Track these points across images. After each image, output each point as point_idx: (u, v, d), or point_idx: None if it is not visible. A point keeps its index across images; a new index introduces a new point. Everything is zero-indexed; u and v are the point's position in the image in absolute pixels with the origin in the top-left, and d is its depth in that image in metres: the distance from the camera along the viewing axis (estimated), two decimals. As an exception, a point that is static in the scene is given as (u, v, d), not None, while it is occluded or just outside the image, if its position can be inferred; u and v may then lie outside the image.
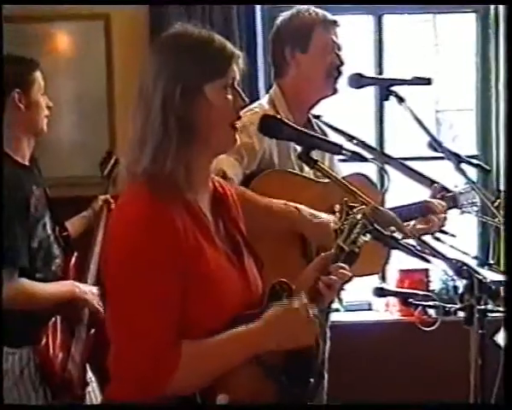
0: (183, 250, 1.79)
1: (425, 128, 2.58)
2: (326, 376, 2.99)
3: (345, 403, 3.18)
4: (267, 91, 3.15)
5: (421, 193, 3.08)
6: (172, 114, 1.80)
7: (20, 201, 2.87)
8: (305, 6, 2.92)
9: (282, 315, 1.83)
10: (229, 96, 1.87)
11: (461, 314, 2.19)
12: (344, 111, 3.23)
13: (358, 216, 1.95)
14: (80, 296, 3.02)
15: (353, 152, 2.18)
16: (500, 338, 2.31)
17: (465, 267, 2.09)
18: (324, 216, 2.63)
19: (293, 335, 1.83)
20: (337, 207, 1.98)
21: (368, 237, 1.96)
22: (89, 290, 3.07)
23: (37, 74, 3.02)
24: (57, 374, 2.93)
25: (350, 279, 2.09)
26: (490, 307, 2.22)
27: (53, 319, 2.96)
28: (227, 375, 1.80)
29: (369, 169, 2.87)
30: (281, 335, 1.83)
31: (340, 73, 2.86)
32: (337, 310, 4.01)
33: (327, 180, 2.26)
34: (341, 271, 1.93)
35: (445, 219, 3.05)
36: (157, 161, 1.80)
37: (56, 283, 2.99)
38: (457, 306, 2.28)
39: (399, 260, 3.63)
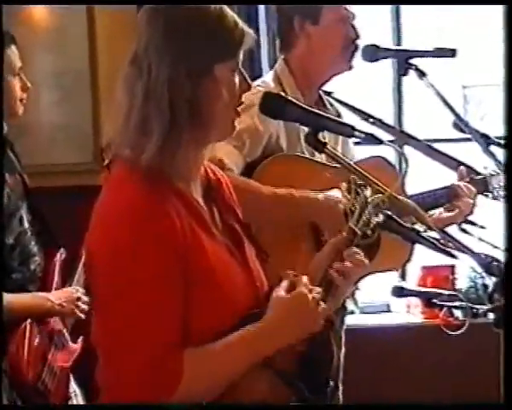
0: (181, 245, 1.79)
1: (449, 106, 2.59)
2: (341, 386, 3.00)
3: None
4: (271, 67, 3.16)
5: (447, 177, 3.09)
6: (180, 96, 1.79)
7: None
8: None
9: (286, 303, 1.84)
10: (236, 79, 1.88)
11: (491, 316, 2.21)
12: (359, 87, 3.23)
13: (368, 194, 1.95)
14: (53, 310, 3.00)
15: (367, 133, 2.17)
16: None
17: (495, 263, 2.11)
18: (333, 194, 2.64)
19: (301, 322, 1.84)
20: (344, 185, 1.98)
21: (381, 218, 1.96)
22: (66, 298, 3.04)
23: (10, 51, 3.00)
24: (29, 385, 2.91)
25: (366, 271, 2.10)
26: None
27: (24, 324, 2.93)
28: (238, 382, 1.80)
29: (388, 151, 2.88)
30: (288, 325, 1.84)
31: (356, 46, 2.86)
32: (352, 312, 4.02)
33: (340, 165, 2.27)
34: (357, 256, 1.92)
35: (473, 205, 3.05)
36: (165, 151, 1.79)
37: (27, 295, 2.98)
38: (487, 307, 2.29)
39: (422, 256, 3.63)
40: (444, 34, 4.60)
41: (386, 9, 4.52)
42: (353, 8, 2.89)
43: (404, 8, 4.53)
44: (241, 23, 1.88)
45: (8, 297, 2.88)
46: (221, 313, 1.83)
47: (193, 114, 1.81)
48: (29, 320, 2.94)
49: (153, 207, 1.78)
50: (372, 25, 3.84)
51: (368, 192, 1.95)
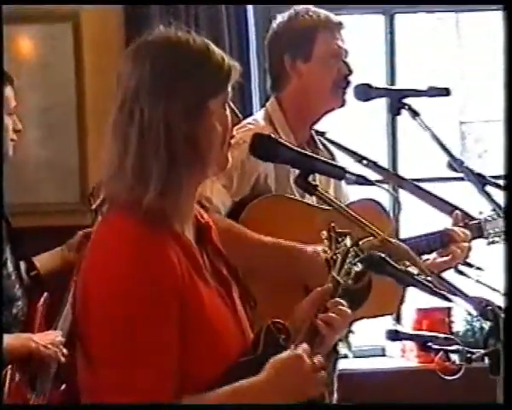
0: (180, 289, 1.80)
1: (443, 146, 2.63)
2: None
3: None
4: (262, 105, 3.18)
5: (442, 221, 3.10)
6: (177, 136, 1.81)
7: None
8: (305, 6, 2.94)
9: (285, 365, 1.85)
10: (228, 113, 1.91)
11: (487, 361, 2.22)
12: (352, 127, 3.26)
13: (348, 243, 1.98)
14: (37, 351, 3.00)
15: (359, 175, 2.20)
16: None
17: (490, 307, 2.12)
18: (311, 248, 2.65)
19: (298, 386, 1.85)
20: (324, 233, 2.00)
21: (360, 267, 1.98)
22: (51, 340, 3.05)
23: (8, 91, 3.08)
24: None
25: (352, 319, 2.11)
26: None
27: (6, 369, 2.94)
28: None
29: (382, 193, 2.91)
30: (285, 387, 1.84)
31: (348, 82, 2.88)
32: (345, 356, 4.03)
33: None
34: (339, 307, 1.94)
35: (469, 249, 3.05)
36: (166, 193, 1.80)
37: (11, 335, 2.97)
38: (482, 351, 2.31)
39: (417, 298, 3.65)
40: (441, 71, 4.64)
41: (381, 48, 4.54)
42: (346, 45, 2.91)
43: (399, 48, 4.53)
44: (227, 56, 1.91)
45: None
46: (215, 359, 1.85)
47: (191, 152, 1.82)
48: (10, 366, 2.95)
49: (154, 250, 1.79)
50: (365, 64, 3.87)
51: (348, 241, 1.98)
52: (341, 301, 1.95)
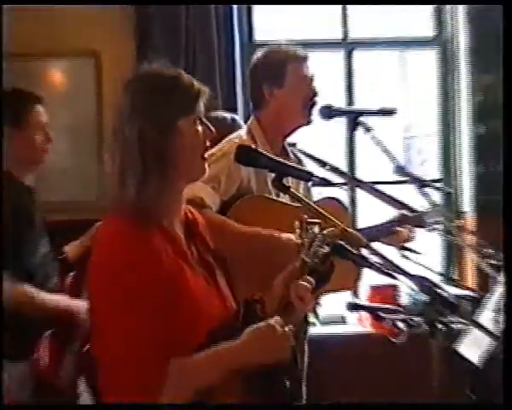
0: (164, 273, 1.79)
1: (390, 155, 2.60)
2: (304, 388, 2.97)
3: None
4: (245, 122, 3.16)
5: (390, 213, 3.10)
6: (149, 150, 1.80)
7: (28, 215, 2.92)
8: (277, 44, 2.94)
9: (258, 332, 1.82)
10: (199, 129, 1.89)
11: (425, 327, 2.22)
12: (317, 139, 3.25)
13: (316, 230, 1.95)
14: (75, 313, 2.99)
15: (322, 178, 2.19)
16: (462, 349, 2.33)
17: (428, 283, 2.11)
18: (285, 235, 2.63)
19: (269, 350, 1.82)
20: (297, 223, 1.97)
21: (327, 249, 1.95)
22: (83, 308, 3.02)
23: (38, 108, 3.06)
24: (49, 384, 2.92)
25: (319, 294, 2.07)
26: (453, 319, 2.25)
27: (46, 333, 2.94)
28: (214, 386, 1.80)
29: (341, 193, 2.90)
30: (258, 351, 1.82)
31: (314, 103, 2.86)
32: (314, 324, 4.01)
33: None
34: (307, 283, 1.92)
35: (411, 237, 3.06)
36: (140, 195, 1.80)
37: (57, 295, 2.99)
38: (422, 319, 2.30)
39: (371, 277, 3.64)
40: (389, 95, 4.63)
41: (342, 76, 4.52)
42: (311, 73, 2.89)
43: (355, 76, 4.51)
44: (196, 82, 1.90)
45: (45, 294, 2.92)
46: (199, 328, 1.83)
47: (162, 164, 1.82)
48: (51, 330, 2.95)
49: (140, 242, 1.79)
50: (328, 89, 3.85)
51: (316, 229, 1.95)
52: (309, 278, 1.92)
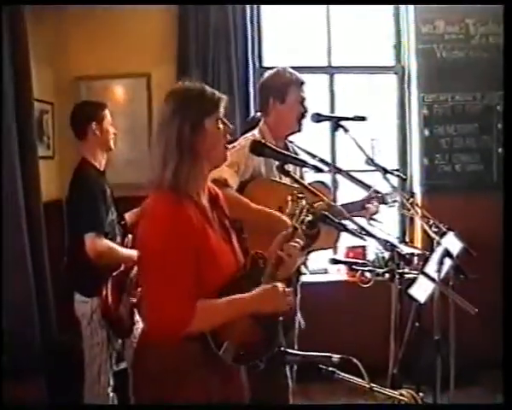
0: (194, 233, 1.79)
1: (362, 150, 2.60)
2: (297, 320, 3.01)
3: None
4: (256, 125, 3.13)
5: (361, 193, 3.09)
6: (184, 142, 1.80)
7: (102, 189, 2.91)
8: (284, 67, 2.90)
9: (266, 290, 1.83)
10: (220, 126, 1.88)
11: (386, 276, 2.24)
12: (309, 137, 3.23)
13: (303, 202, 1.93)
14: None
15: (313, 166, 2.19)
16: (412, 291, 2.34)
17: (389, 244, 2.12)
18: (280, 214, 2.60)
19: (273, 303, 1.83)
20: (289, 197, 1.95)
21: (311, 217, 1.92)
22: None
23: (106, 112, 3.08)
24: (113, 316, 2.91)
25: (308, 251, 2.01)
26: (406, 270, 2.27)
27: (109, 278, 2.92)
28: (229, 323, 1.80)
29: (326, 177, 2.90)
30: (265, 303, 1.82)
31: (304, 117, 2.86)
32: (304, 274, 4.01)
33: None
34: (296, 244, 1.91)
35: (377, 210, 3.07)
36: (176, 176, 1.80)
37: (127, 249, 2.98)
38: (384, 270, 2.31)
39: (347, 239, 3.65)
40: (362, 106, 4.60)
41: (326, 89, 4.48)
42: (306, 94, 2.86)
43: (336, 93, 4.47)
44: (217, 92, 1.89)
45: (119, 247, 2.92)
46: (219, 275, 1.83)
47: (192, 151, 1.81)
48: (115, 273, 2.93)
49: (177, 211, 1.78)
50: (315, 97, 3.83)
51: (303, 202, 1.92)
52: (298, 240, 1.91)
